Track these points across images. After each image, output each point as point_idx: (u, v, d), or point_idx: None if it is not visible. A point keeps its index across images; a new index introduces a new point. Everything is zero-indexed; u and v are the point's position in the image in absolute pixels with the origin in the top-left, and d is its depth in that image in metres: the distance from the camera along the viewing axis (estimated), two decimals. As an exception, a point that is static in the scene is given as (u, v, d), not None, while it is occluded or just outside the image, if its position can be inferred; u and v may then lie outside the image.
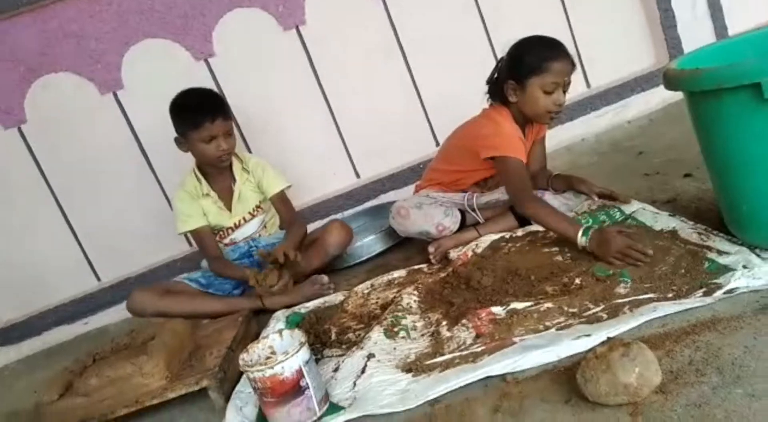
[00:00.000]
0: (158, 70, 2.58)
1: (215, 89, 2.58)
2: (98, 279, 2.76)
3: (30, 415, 1.66)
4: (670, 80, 1.31)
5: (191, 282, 2.18)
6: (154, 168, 2.68)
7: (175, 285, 2.18)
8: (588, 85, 2.95)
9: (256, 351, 1.37)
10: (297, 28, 2.67)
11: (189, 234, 2.25)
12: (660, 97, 2.87)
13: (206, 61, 2.63)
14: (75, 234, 2.70)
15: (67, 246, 2.70)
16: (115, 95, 2.60)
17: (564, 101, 1.84)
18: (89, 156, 2.63)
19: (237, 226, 2.27)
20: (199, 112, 2.08)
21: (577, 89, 2.93)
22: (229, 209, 2.25)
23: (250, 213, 2.28)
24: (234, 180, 2.25)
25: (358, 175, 2.85)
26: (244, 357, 1.33)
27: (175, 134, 2.16)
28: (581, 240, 1.56)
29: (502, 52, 1.95)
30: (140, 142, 2.65)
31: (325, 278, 2.07)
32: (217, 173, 2.23)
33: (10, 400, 2.15)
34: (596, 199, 1.89)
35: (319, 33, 2.69)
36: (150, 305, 2.05)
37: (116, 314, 2.65)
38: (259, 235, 2.32)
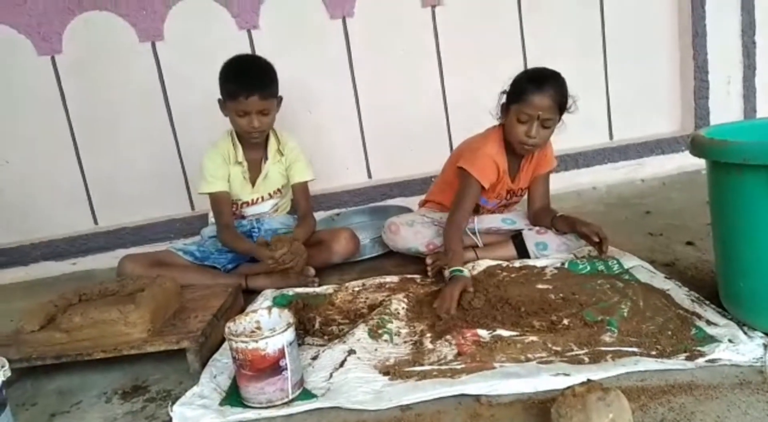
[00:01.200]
0: (201, 31, 2.62)
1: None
2: (95, 222, 2.77)
3: (5, 341, 1.66)
4: (697, 146, 1.34)
5: (186, 255, 2.16)
6: (175, 126, 2.71)
7: (167, 256, 2.15)
8: (611, 136, 2.99)
9: (243, 322, 1.39)
10: (344, 19, 2.71)
11: (210, 196, 2.16)
12: (677, 163, 2.93)
13: (249, 32, 2.66)
14: (83, 173, 2.72)
15: (72, 183, 2.73)
16: (153, 45, 2.63)
17: (536, 135, 1.87)
18: (115, 99, 2.66)
19: (253, 203, 2.26)
20: (237, 84, 2.02)
21: (599, 138, 2.98)
22: (253, 184, 2.22)
23: (270, 194, 2.27)
24: (266, 158, 2.21)
25: (370, 175, 2.88)
26: (230, 326, 1.35)
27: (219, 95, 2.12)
28: (449, 273, 1.75)
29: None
30: (167, 97, 2.67)
31: (312, 271, 2.07)
32: (250, 145, 2.18)
33: (-15, 323, 2.15)
34: (596, 239, 1.87)
35: (363, 29, 2.73)
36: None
37: (105, 260, 2.67)
38: (269, 216, 2.31)
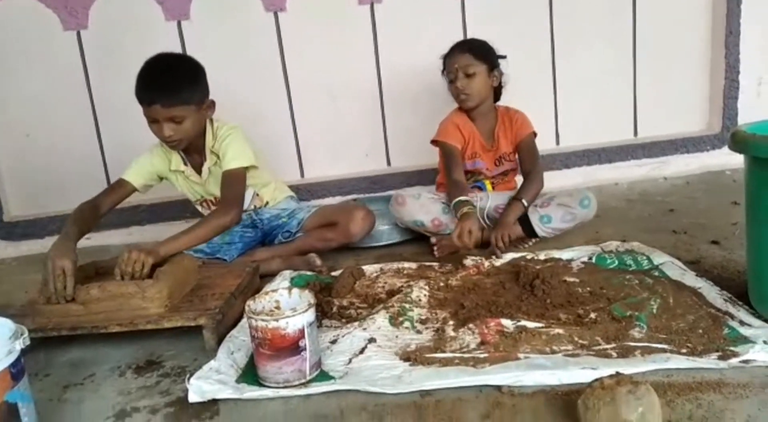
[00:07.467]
0: (227, 12, 2.58)
1: (276, 43, 2.58)
2: (112, 198, 2.76)
3: (21, 311, 1.66)
4: (738, 141, 1.30)
5: (196, 253, 2.06)
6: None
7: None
8: (636, 133, 2.94)
9: (263, 301, 1.37)
10: (371, 5, 2.67)
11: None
12: (701, 162, 2.88)
13: (276, 14, 2.62)
14: (102, 149, 2.71)
15: (91, 158, 2.71)
16: (179, 25, 2.60)
17: (463, 85, 2.11)
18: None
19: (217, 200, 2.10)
20: (140, 89, 1.85)
21: (623, 135, 2.93)
22: (204, 187, 2.11)
23: None
24: (204, 158, 2.05)
25: (389, 163, 2.85)
26: (250, 305, 1.33)
27: None
28: (458, 212, 1.95)
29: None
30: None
31: (318, 261, 2.02)
32: (190, 148, 2.02)
33: (1, 293, 2.16)
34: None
35: (390, 12, 2.69)
36: None
37: (120, 236, 2.67)
38: (256, 206, 2.22)
